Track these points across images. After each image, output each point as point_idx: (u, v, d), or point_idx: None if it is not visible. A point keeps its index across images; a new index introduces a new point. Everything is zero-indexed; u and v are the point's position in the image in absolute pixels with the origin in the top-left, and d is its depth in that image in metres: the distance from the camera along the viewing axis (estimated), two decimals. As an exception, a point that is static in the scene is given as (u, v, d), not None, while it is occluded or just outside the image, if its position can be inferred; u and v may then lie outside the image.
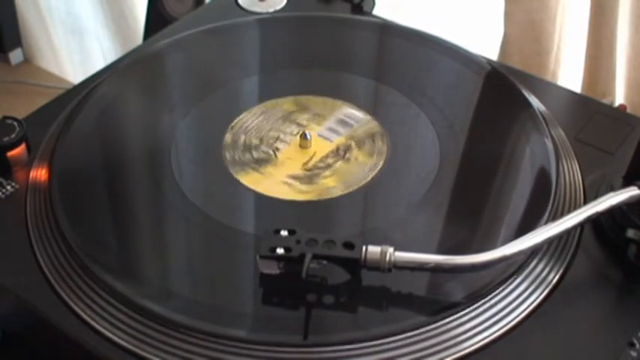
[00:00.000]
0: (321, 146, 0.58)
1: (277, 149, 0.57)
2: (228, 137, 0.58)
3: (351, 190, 0.54)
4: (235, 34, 0.68)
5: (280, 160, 0.56)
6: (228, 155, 0.56)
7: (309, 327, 0.45)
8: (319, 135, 0.58)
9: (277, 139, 0.58)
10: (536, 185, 0.53)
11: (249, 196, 0.54)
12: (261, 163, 0.56)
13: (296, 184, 0.54)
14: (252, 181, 0.54)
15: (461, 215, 0.53)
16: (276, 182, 0.54)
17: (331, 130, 0.59)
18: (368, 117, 0.60)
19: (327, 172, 0.55)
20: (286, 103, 0.61)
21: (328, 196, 0.53)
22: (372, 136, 0.58)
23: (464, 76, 0.64)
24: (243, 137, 0.58)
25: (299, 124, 0.59)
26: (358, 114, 0.60)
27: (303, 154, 0.57)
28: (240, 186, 0.54)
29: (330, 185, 0.54)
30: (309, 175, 0.55)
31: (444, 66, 0.65)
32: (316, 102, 0.62)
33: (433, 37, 0.67)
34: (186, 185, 0.54)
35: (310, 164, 0.56)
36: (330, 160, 0.56)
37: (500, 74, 0.63)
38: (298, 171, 0.56)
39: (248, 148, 0.57)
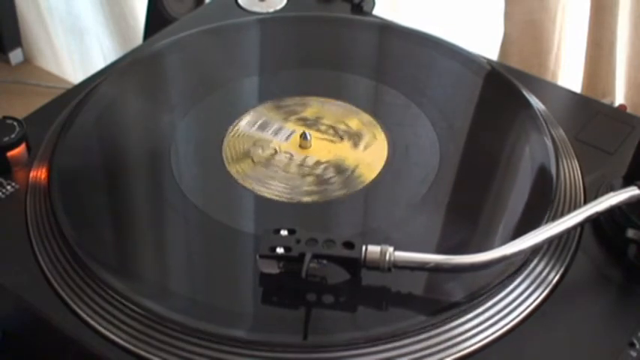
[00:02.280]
0: (321, 146, 0.58)
1: (277, 151, 0.57)
2: (228, 141, 0.58)
3: (352, 190, 0.54)
4: (235, 34, 0.68)
5: (284, 163, 0.56)
6: (235, 168, 0.55)
7: (308, 327, 0.45)
8: (319, 135, 0.58)
9: (277, 140, 0.58)
10: (536, 185, 0.53)
11: (249, 196, 0.54)
12: (342, 171, 0.55)
13: (366, 142, 0.56)
14: (372, 170, 0.55)
15: (461, 215, 0.53)
16: (369, 155, 0.55)
17: (331, 129, 0.59)
18: (368, 117, 0.60)
19: (331, 173, 0.55)
20: (286, 104, 0.61)
21: (332, 197, 0.53)
22: (371, 136, 0.58)
23: (464, 76, 0.64)
24: (243, 141, 0.57)
25: (299, 125, 0.59)
26: (358, 114, 0.60)
27: (303, 154, 0.57)
28: (239, 185, 0.54)
29: (359, 124, 0.56)
30: (352, 135, 0.56)
31: (444, 66, 0.65)
32: (316, 102, 0.62)
33: (433, 37, 0.67)
34: (186, 185, 0.54)
35: (311, 164, 0.56)
36: (330, 158, 0.56)
37: (500, 74, 0.63)
38: (347, 143, 0.57)
39: (247, 154, 0.56)
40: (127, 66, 0.65)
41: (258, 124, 0.59)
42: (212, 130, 0.59)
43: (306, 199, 0.53)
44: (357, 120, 0.59)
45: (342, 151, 0.57)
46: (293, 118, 0.60)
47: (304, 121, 0.60)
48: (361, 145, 0.57)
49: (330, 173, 0.55)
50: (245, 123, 0.59)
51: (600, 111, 0.61)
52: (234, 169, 0.55)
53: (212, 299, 0.47)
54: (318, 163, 0.56)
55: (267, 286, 0.47)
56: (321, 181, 0.55)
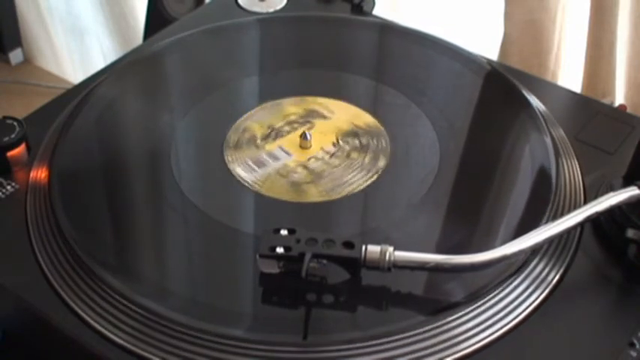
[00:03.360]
0: (321, 146, 0.58)
1: (277, 146, 0.57)
2: (237, 126, 0.58)
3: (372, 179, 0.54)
4: (235, 34, 0.68)
5: (318, 167, 0.56)
6: (232, 154, 0.56)
7: (308, 327, 0.45)
8: (319, 134, 0.58)
9: (278, 141, 0.58)
10: (536, 185, 0.53)
11: (249, 196, 0.54)
12: (314, 177, 0.55)
13: (355, 156, 0.56)
14: (320, 194, 0.54)
15: (461, 215, 0.53)
16: (342, 172, 0.55)
17: (331, 129, 0.59)
18: (368, 117, 0.60)
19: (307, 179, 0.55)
20: (286, 104, 0.61)
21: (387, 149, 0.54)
22: (371, 136, 0.58)
23: (464, 76, 0.64)
24: (249, 146, 0.57)
25: (298, 125, 0.59)
26: (358, 114, 0.60)
27: (313, 152, 0.57)
28: (239, 185, 0.54)
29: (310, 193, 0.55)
30: (341, 150, 0.57)
31: (444, 66, 0.65)
32: (316, 102, 0.62)
33: (433, 37, 0.67)
34: (186, 185, 0.54)
35: (331, 148, 0.57)
36: (332, 160, 0.57)
37: (500, 74, 0.63)
38: (340, 159, 0.56)
39: (283, 175, 0.55)
40: (127, 66, 0.65)
41: (258, 127, 0.59)
42: (212, 130, 0.59)
43: (287, 197, 0.53)
44: (356, 120, 0.59)
45: (336, 159, 0.57)
46: (292, 118, 0.60)
47: (303, 121, 0.60)
48: (362, 145, 0.57)
49: (307, 179, 0.55)
50: (255, 115, 0.60)
51: (600, 111, 0.61)
52: (262, 187, 0.54)
53: (212, 299, 0.47)
54: (304, 166, 0.56)
55: (267, 285, 0.47)
56: (309, 181, 0.54)
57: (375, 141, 0.58)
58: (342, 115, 0.60)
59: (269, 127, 0.59)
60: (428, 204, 0.53)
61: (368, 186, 0.54)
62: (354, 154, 0.57)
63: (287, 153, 0.57)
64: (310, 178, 0.55)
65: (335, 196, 0.53)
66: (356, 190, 0.54)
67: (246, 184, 0.54)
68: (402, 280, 0.46)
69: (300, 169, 0.56)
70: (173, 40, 0.67)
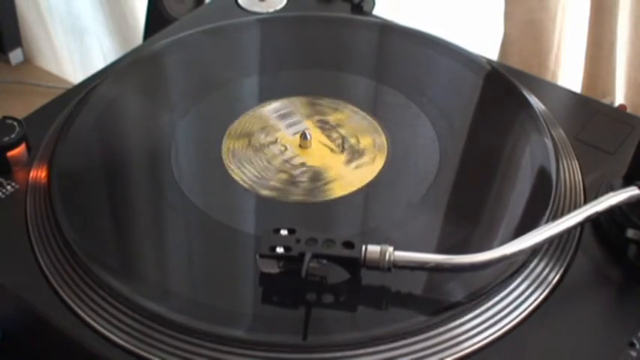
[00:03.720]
0: (318, 150, 0.58)
1: (277, 141, 0.57)
2: (241, 119, 0.58)
3: (311, 199, 0.53)
4: (235, 34, 0.68)
5: (322, 165, 0.56)
6: (228, 143, 0.56)
7: (308, 327, 0.45)
8: (325, 140, 0.58)
9: (285, 132, 0.58)
10: (536, 185, 0.53)
11: (249, 196, 0.54)
12: (318, 178, 0.55)
13: (359, 160, 0.56)
14: (343, 188, 0.54)
15: (461, 215, 0.53)
16: (352, 173, 0.55)
17: (340, 139, 0.59)
18: (368, 117, 0.60)
19: (352, 140, 0.56)
20: (285, 104, 0.61)
21: (289, 200, 0.53)
22: (371, 136, 0.58)
23: (464, 76, 0.64)
24: (256, 122, 0.57)
25: (315, 125, 0.59)
26: (358, 114, 0.60)
27: (315, 151, 0.57)
28: (239, 185, 0.54)
29: (370, 141, 0.56)
30: (351, 152, 0.57)
31: (444, 66, 0.65)
32: (316, 102, 0.62)
33: (433, 37, 0.67)
34: (186, 185, 0.54)
35: (336, 147, 0.57)
36: (335, 134, 0.57)
37: (500, 74, 0.63)
38: (343, 156, 0.57)
39: (290, 182, 0.55)
40: (127, 66, 0.65)
41: (282, 112, 0.60)
42: (212, 130, 0.59)
43: (265, 192, 0.53)
44: (370, 139, 0.58)
45: (333, 162, 0.56)
46: (316, 118, 0.60)
47: (323, 124, 0.59)
48: (354, 164, 0.56)
49: (304, 178, 0.55)
50: (271, 107, 0.60)
51: (600, 111, 0.61)
52: (226, 144, 0.55)
53: (212, 299, 0.47)
54: (302, 164, 0.56)
55: (267, 286, 0.47)
56: (290, 181, 0.54)
57: (375, 141, 0.58)
58: (341, 114, 0.60)
59: (269, 127, 0.59)
60: (428, 204, 0.53)
61: (368, 186, 0.54)
62: (354, 154, 0.57)
63: (287, 153, 0.57)
64: (310, 178, 0.55)
65: (335, 195, 0.53)
66: (356, 190, 0.54)
67: (246, 184, 0.54)
68: (402, 280, 0.46)
69: (300, 169, 0.56)
70: (173, 40, 0.67)
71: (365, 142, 0.58)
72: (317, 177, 0.55)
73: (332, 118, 0.60)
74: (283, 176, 0.55)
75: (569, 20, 0.84)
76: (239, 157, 0.55)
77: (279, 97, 0.62)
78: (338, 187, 0.54)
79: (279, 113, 0.60)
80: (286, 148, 0.57)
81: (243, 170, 0.54)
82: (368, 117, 0.60)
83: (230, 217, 0.52)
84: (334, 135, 0.58)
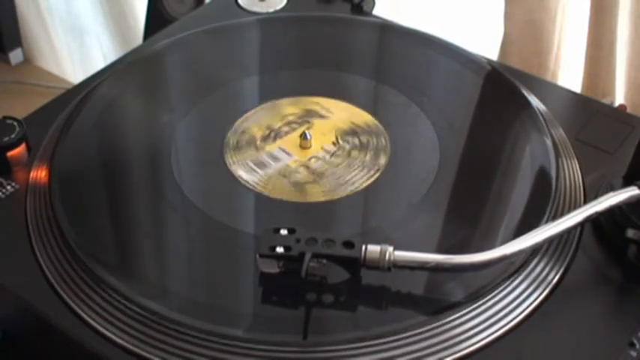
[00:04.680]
0: (321, 145, 0.58)
1: (278, 146, 0.57)
2: (235, 130, 0.58)
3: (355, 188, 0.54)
4: (235, 34, 0.68)
5: (321, 167, 0.56)
6: (243, 173, 0.55)
7: (308, 327, 0.45)
8: (319, 134, 0.58)
9: (279, 141, 0.58)
10: (536, 185, 0.53)
11: (249, 196, 0.54)
12: (316, 176, 0.55)
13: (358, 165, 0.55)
14: (322, 195, 0.54)
15: (461, 215, 0.53)
16: (344, 175, 0.55)
17: (330, 129, 0.59)
18: (368, 117, 0.60)
19: (349, 144, 0.56)
20: (286, 104, 0.61)
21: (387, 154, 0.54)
22: (371, 136, 0.58)
23: (464, 76, 0.64)
24: (249, 146, 0.57)
25: (298, 125, 0.59)
26: (358, 113, 0.60)
27: (306, 153, 0.57)
28: (239, 185, 0.54)
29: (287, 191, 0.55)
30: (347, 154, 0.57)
31: (444, 66, 0.65)
32: (316, 102, 0.62)
33: (433, 37, 0.67)
34: (186, 185, 0.54)
35: (334, 149, 0.57)
36: (332, 160, 0.57)
37: (500, 74, 0.63)
38: (342, 160, 0.56)
39: (283, 175, 0.55)
40: (127, 66, 0.65)
41: (257, 130, 0.59)
42: (212, 130, 0.59)
43: (263, 190, 0.53)
44: (367, 135, 0.58)
45: (336, 159, 0.57)
46: (291, 119, 0.60)
47: (302, 121, 0.60)
48: (362, 144, 0.57)
49: (307, 178, 0.55)
50: (255, 115, 0.60)
51: (600, 111, 0.61)
52: (231, 154, 0.55)
53: (212, 299, 0.47)
54: (304, 165, 0.56)
55: (267, 285, 0.47)
56: (294, 184, 0.55)
57: (375, 141, 0.58)
58: (342, 114, 0.60)
59: (269, 127, 0.59)
60: (428, 204, 0.53)
61: (368, 186, 0.54)
62: (354, 154, 0.57)
63: (287, 153, 0.57)
64: (310, 178, 0.55)
65: (335, 195, 0.53)
66: (356, 190, 0.54)
67: (246, 184, 0.54)
68: (402, 280, 0.46)
69: (299, 169, 0.56)
70: (173, 40, 0.67)
71: (360, 122, 0.58)
72: (322, 176, 0.55)
73: (319, 116, 0.60)
74: (298, 176, 0.55)
75: (569, 20, 0.84)
76: (250, 165, 0.55)
77: (277, 97, 0.62)
78: (318, 192, 0.54)
79: (267, 119, 0.60)
80: (289, 151, 0.57)
81: (251, 173, 0.54)
82: (353, 107, 0.61)
83: (230, 217, 0.52)
84: (329, 134, 0.58)
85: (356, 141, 0.58)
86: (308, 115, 0.60)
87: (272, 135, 0.59)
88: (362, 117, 0.60)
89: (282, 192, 0.54)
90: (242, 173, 0.55)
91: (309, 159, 0.57)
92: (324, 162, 0.56)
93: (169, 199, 0.53)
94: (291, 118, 0.60)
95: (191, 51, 0.67)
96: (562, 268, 0.49)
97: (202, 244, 0.52)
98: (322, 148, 0.58)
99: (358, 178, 0.55)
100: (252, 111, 0.61)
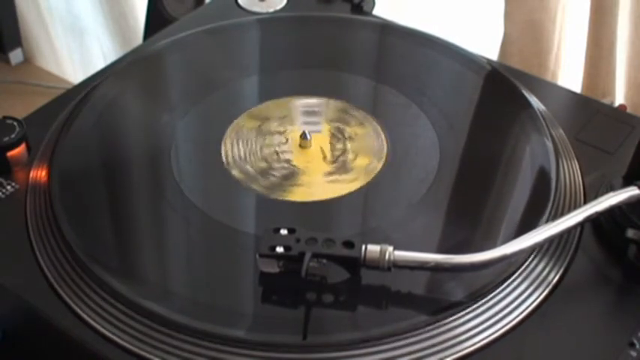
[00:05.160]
0: (318, 140, 0.58)
1: (289, 160, 0.56)
2: (229, 142, 0.58)
3: (383, 160, 0.55)
4: (235, 34, 0.68)
5: (303, 167, 0.56)
6: (257, 187, 0.54)
7: (308, 327, 0.45)
8: (319, 134, 0.58)
9: (277, 152, 0.58)
10: (536, 185, 0.53)
11: (249, 196, 0.54)
12: (290, 178, 0.55)
13: (339, 177, 0.54)
14: (302, 195, 0.53)
15: (461, 214, 0.53)
16: (321, 185, 0.54)
17: (311, 123, 0.59)
18: (368, 117, 0.60)
19: (350, 155, 0.56)
20: (285, 104, 0.61)
21: (373, 174, 0.54)
22: (371, 136, 0.58)
23: (464, 76, 0.64)
24: (249, 166, 0.56)
25: (298, 124, 0.59)
26: (357, 113, 0.60)
27: (311, 153, 0.57)
28: (239, 185, 0.54)
29: (365, 163, 0.55)
30: (340, 165, 0.56)
31: (444, 66, 0.65)
32: (348, 111, 0.61)
33: (433, 37, 0.67)
34: (186, 185, 0.54)
35: (330, 157, 0.56)
36: (340, 145, 0.57)
37: (500, 74, 0.63)
38: (328, 167, 0.56)
39: (265, 172, 0.55)
40: (127, 66, 0.65)
41: (311, 110, 0.60)
42: (212, 130, 0.59)
43: (234, 172, 0.54)
44: (366, 161, 0.57)
45: (315, 169, 0.56)
46: (336, 125, 0.59)
47: (338, 132, 0.59)
48: (332, 177, 0.55)
49: (278, 173, 0.55)
50: (305, 102, 0.60)
51: (600, 111, 0.61)
52: (275, 194, 0.54)
53: (212, 299, 0.47)
54: (287, 161, 0.56)
55: (267, 285, 0.47)
56: (264, 172, 0.55)
57: (375, 140, 0.58)
58: (362, 130, 0.60)
59: (287, 118, 0.59)
60: (428, 204, 0.53)
61: (368, 186, 0.54)
62: (340, 170, 0.56)
63: (287, 153, 0.57)
64: (283, 176, 0.55)
65: (335, 195, 0.53)
66: (356, 190, 0.54)
67: (227, 159, 0.54)
68: (402, 280, 0.46)
69: (281, 164, 0.56)
70: (173, 40, 0.67)
71: (360, 162, 0.56)
72: (290, 177, 0.55)
73: (350, 131, 0.59)
74: (262, 165, 0.55)
75: (569, 20, 0.84)
76: (240, 134, 0.55)
77: (277, 97, 0.62)
78: (300, 193, 0.54)
79: (307, 109, 0.60)
80: (286, 141, 0.57)
81: (235, 146, 0.55)
82: (337, 102, 0.61)
83: (230, 217, 0.52)
84: (339, 146, 0.58)
85: (353, 158, 0.57)
86: (331, 120, 0.60)
87: (284, 125, 0.59)
88: (361, 117, 0.60)
89: (282, 191, 0.54)
90: (242, 173, 0.55)
91: (309, 159, 0.57)
92: (324, 162, 0.56)
93: (169, 199, 0.53)
94: (290, 118, 0.60)
95: (191, 51, 0.67)
96: (562, 268, 0.49)
97: (202, 244, 0.52)
98: (322, 147, 0.57)
99: (324, 191, 0.54)
100: (252, 111, 0.61)
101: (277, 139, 0.58)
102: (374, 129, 0.58)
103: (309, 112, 0.60)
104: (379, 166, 0.55)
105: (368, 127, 0.57)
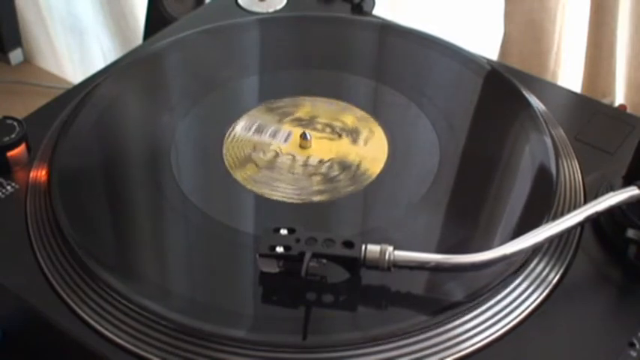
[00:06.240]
0: (321, 145, 0.58)
1: (283, 154, 0.57)
2: (227, 144, 0.58)
3: (361, 185, 0.54)
4: (235, 34, 0.68)
5: (291, 165, 0.56)
6: (238, 176, 0.55)
7: (308, 327, 0.45)
8: (317, 134, 0.58)
9: (277, 142, 0.58)
10: (536, 185, 0.53)
11: (249, 195, 0.54)
12: (276, 171, 0.55)
13: (320, 187, 0.54)
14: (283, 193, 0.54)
15: (461, 214, 0.53)
16: (302, 186, 0.54)
17: (328, 127, 0.59)
18: (361, 112, 0.60)
19: (336, 170, 0.55)
20: (285, 104, 0.61)
21: (342, 194, 0.53)
22: (368, 131, 0.58)
23: (464, 76, 0.64)
24: (242, 153, 0.57)
25: (294, 125, 0.59)
26: (351, 110, 0.60)
27: (307, 153, 0.57)
28: (239, 185, 0.54)
29: (342, 184, 0.54)
30: (324, 172, 0.55)
31: (444, 66, 0.65)
32: (308, 101, 0.61)
33: (433, 37, 0.67)
34: (186, 185, 0.54)
35: (315, 163, 0.56)
36: (332, 156, 0.57)
37: (500, 74, 0.63)
38: (315, 170, 0.56)
39: (249, 158, 0.56)
40: (127, 66, 0.65)
41: (255, 127, 0.59)
42: (212, 131, 0.59)
43: (317, 198, 0.53)
44: (351, 116, 0.59)
45: (343, 147, 0.57)
46: (288, 119, 0.60)
47: (300, 121, 0.60)
48: (360, 141, 0.57)
49: (336, 171, 0.55)
50: (241, 127, 0.59)
51: (600, 111, 0.61)
52: (239, 175, 0.55)
53: (212, 299, 0.47)
54: (321, 161, 0.56)
55: (267, 285, 0.47)
56: (328, 179, 0.55)
57: (374, 140, 0.58)
58: (341, 114, 0.60)
59: (268, 127, 0.59)
60: (428, 204, 0.53)
61: (368, 186, 0.54)
62: (354, 154, 0.57)
63: (287, 152, 0.57)
64: (309, 178, 0.55)
65: (335, 195, 0.53)
66: (356, 190, 0.54)
67: (246, 184, 0.54)
68: (402, 280, 0.46)
69: (299, 169, 0.56)
70: (173, 40, 0.67)
71: (348, 120, 0.58)
72: (345, 165, 0.55)
73: (301, 114, 0.60)
74: (317, 178, 0.55)
75: (569, 20, 0.84)
76: (264, 181, 0.54)
77: (277, 97, 0.62)
78: (371, 165, 0.55)
79: (253, 129, 0.59)
80: (293, 155, 0.57)
81: (280, 190, 0.54)
82: (329, 100, 0.61)
83: (230, 217, 0.52)
84: (319, 126, 0.59)
85: (354, 137, 0.58)
86: (302, 115, 0.60)
87: (271, 135, 0.59)
88: (355, 113, 0.60)
89: (282, 191, 0.54)
90: (241, 172, 0.55)
91: (309, 159, 0.57)
92: (324, 162, 0.56)
93: (169, 199, 0.53)
94: (286, 119, 0.60)
95: (191, 51, 0.67)
96: (562, 268, 0.49)
97: (202, 244, 0.52)
98: (322, 147, 0.57)
99: (377, 150, 0.54)
100: (252, 111, 0.61)
101: (284, 159, 0.57)
102: (379, 143, 0.57)
103: (257, 131, 0.60)
104: (350, 188, 0.54)
105: (373, 144, 0.57)
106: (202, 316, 0.45)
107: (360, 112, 0.60)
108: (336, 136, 0.58)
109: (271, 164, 0.56)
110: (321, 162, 0.56)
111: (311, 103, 0.61)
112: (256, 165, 0.56)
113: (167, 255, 0.51)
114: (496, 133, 0.59)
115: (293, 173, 0.55)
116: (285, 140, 0.58)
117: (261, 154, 0.57)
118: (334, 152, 0.57)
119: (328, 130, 0.59)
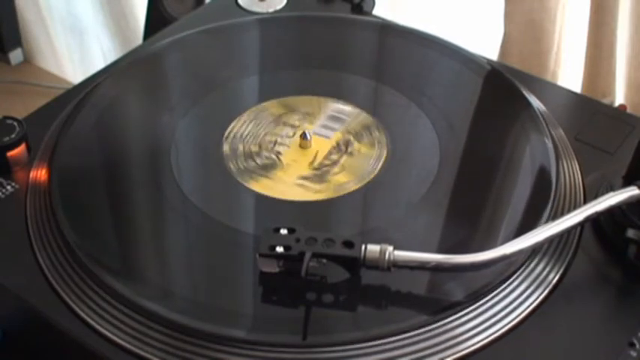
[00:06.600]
0: (321, 144, 0.58)
1: (279, 152, 0.57)
2: (226, 145, 0.58)
3: (362, 183, 0.54)
4: (235, 34, 0.68)
5: (286, 163, 0.56)
6: (231, 165, 0.55)
7: (308, 327, 0.45)
8: (317, 133, 0.58)
9: (276, 142, 0.58)
10: (536, 185, 0.53)
11: (249, 196, 0.54)
12: (267, 168, 0.55)
13: (309, 184, 0.54)
14: (264, 187, 0.54)
15: (461, 214, 0.53)
16: (288, 185, 0.54)
17: (328, 127, 0.59)
18: (368, 116, 0.60)
19: (336, 169, 0.55)
20: (285, 104, 0.61)
21: (343, 193, 0.53)
22: (371, 136, 0.58)
23: (464, 76, 0.64)
24: (241, 145, 0.57)
25: (298, 124, 0.59)
26: (357, 113, 0.60)
27: (305, 154, 0.57)
28: (239, 185, 0.54)
29: (342, 181, 0.54)
30: (319, 174, 0.55)
31: (444, 66, 0.65)
32: (315, 102, 0.61)
33: (433, 37, 0.67)
34: (186, 185, 0.54)
35: (316, 163, 0.56)
36: (334, 157, 0.56)
37: (500, 74, 0.63)
38: (307, 171, 0.55)
39: (249, 155, 0.56)
40: (127, 66, 0.65)
41: (255, 127, 0.59)
42: (212, 130, 0.59)
43: (317, 197, 0.53)
44: (351, 116, 0.59)
45: (344, 145, 0.57)
46: (288, 118, 0.60)
47: (300, 121, 0.60)
48: (360, 140, 0.57)
49: (336, 170, 0.55)
50: (241, 127, 0.59)
51: (600, 111, 0.61)
52: (241, 178, 0.55)
53: (212, 299, 0.47)
54: (321, 161, 0.56)
55: (267, 285, 0.47)
56: (328, 179, 0.55)
57: (374, 140, 0.58)
58: (362, 130, 0.60)
59: (268, 127, 0.59)
60: (428, 204, 0.53)
61: (368, 185, 0.54)
62: (354, 154, 0.57)
63: (287, 153, 0.57)
64: (309, 178, 0.55)
65: (335, 195, 0.53)
66: (356, 190, 0.54)
67: (246, 184, 0.54)
68: (402, 279, 0.46)
69: (282, 164, 0.56)
70: (173, 40, 0.67)
71: (339, 179, 0.55)
72: (268, 167, 0.56)
73: (356, 147, 0.58)
74: (253, 148, 0.56)
75: (569, 20, 0.84)
76: (259, 115, 0.56)
77: (277, 97, 0.62)
78: (263, 185, 0.54)
79: (333, 114, 0.60)
80: (292, 135, 0.57)
81: (245, 124, 0.55)
82: (335, 101, 0.61)
83: (230, 217, 0.52)
84: (333, 157, 0.57)
85: (356, 141, 0.58)
86: (308, 115, 0.60)
87: (271, 134, 0.59)
88: (361, 116, 0.60)
89: (282, 191, 0.54)
90: (241, 172, 0.55)
91: (309, 159, 0.57)
92: (324, 162, 0.56)
93: (169, 199, 0.53)
94: (290, 117, 0.60)
95: (191, 51, 0.67)
96: (562, 268, 0.49)
97: (202, 244, 0.52)
98: (322, 147, 0.58)
99: (358, 177, 0.55)
100: (252, 110, 0.61)
101: (286, 131, 0.58)
102: (379, 150, 0.57)
103: (333, 117, 0.60)
104: (356, 187, 0.54)
105: (375, 149, 0.57)
106: (202, 316, 0.45)
107: (360, 112, 0.60)
108: (335, 137, 0.58)
109: (271, 164, 0.56)
110: (321, 162, 0.56)
111: (311, 102, 0.61)
112: (256, 165, 0.56)
113: (167, 255, 0.51)
114: (496, 133, 0.59)
115: (293, 173, 0.55)
116: (285, 140, 0.58)
117: (261, 154, 0.57)
118: (334, 152, 0.57)
119: (328, 129, 0.59)
